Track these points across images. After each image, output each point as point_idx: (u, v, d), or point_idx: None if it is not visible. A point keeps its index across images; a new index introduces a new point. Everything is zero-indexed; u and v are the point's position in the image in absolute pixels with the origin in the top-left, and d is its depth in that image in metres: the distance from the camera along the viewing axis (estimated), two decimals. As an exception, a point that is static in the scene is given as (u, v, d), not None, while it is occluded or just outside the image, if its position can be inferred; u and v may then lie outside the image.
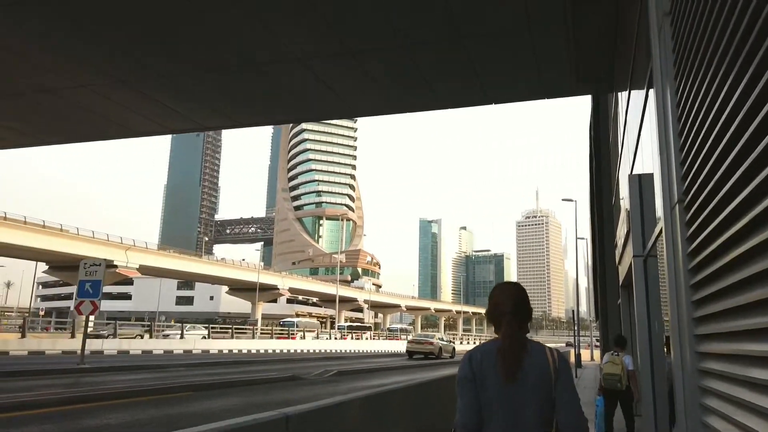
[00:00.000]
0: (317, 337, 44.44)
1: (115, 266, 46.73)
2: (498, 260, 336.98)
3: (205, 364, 18.64)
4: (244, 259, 73.71)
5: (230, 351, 28.35)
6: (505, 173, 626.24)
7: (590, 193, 14.92)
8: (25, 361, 16.31)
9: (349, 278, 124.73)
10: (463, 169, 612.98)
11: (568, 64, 7.70)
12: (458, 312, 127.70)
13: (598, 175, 11.56)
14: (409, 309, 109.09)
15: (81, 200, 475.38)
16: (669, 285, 2.85)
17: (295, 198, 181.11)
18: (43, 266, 50.29)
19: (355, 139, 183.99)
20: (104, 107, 9.22)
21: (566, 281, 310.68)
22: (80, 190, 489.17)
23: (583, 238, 37.16)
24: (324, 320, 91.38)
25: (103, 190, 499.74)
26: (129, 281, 74.20)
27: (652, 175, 4.24)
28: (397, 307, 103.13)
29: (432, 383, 6.60)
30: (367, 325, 78.01)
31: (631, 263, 4.90)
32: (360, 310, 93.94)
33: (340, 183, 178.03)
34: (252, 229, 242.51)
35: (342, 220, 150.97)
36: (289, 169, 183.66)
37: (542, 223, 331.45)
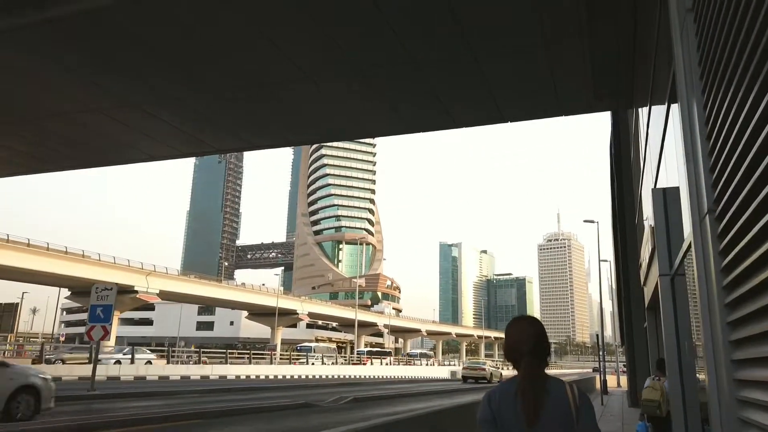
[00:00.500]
0: (336, 363, 43.94)
1: (136, 291, 47.06)
2: (520, 284, 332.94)
3: (218, 390, 18.42)
4: (264, 284, 73.79)
5: (248, 377, 28.10)
6: (525, 195, 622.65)
7: (612, 214, 14.53)
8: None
9: (369, 303, 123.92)
10: (482, 191, 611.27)
11: (585, 80, 7.48)
12: (480, 337, 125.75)
13: (620, 194, 11.23)
14: (430, 334, 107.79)
15: (105, 227, 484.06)
16: (701, 305, 2.59)
17: (315, 222, 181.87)
18: (66, 292, 50.87)
19: (374, 163, 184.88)
20: (118, 131, 9.23)
21: (590, 305, 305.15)
22: (106, 216, 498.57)
23: (606, 261, 36.42)
24: (344, 345, 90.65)
25: (127, 217, 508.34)
26: (150, 307, 74.67)
27: (677, 189, 3.98)
28: (417, 331, 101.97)
29: (447, 411, 6.28)
30: (387, 350, 77.08)
31: (657, 283, 4.59)
32: (380, 334, 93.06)
33: (359, 207, 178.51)
34: (273, 254, 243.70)
35: (361, 244, 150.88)
36: (309, 194, 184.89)
37: (564, 246, 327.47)
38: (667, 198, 4.11)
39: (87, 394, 13.23)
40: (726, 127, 2.21)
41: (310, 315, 75.75)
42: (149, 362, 28.29)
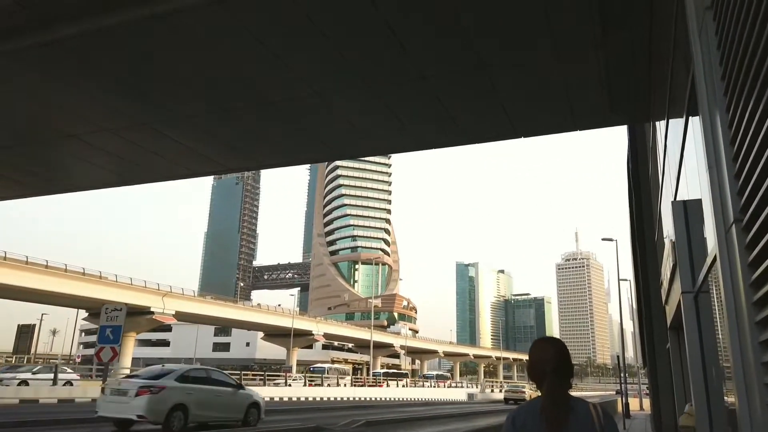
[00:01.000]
0: (353, 384, 43.43)
1: (152, 312, 47.24)
2: (538, 304, 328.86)
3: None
4: (279, 305, 73.73)
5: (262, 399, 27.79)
6: (542, 214, 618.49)
7: (631, 231, 14.19)
8: (46, 410, 16.06)
9: (386, 323, 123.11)
10: (498, 210, 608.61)
11: (600, 93, 7.31)
12: (498, 358, 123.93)
13: (639, 210, 10.95)
14: (447, 355, 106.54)
15: (125, 249, 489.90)
16: (728, 323, 2.38)
17: (331, 243, 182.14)
18: (84, 313, 51.26)
19: (390, 183, 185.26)
20: (128, 151, 9.24)
21: (611, 325, 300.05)
22: (124, 239, 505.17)
23: (626, 280, 35.73)
24: (360, 366, 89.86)
25: (146, 239, 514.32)
26: (167, 328, 74.92)
27: (699, 201, 3.78)
28: (434, 353, 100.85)
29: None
30: (404, 371, 76.23)
31: (679, 301, 4.35)
32: (396, 356, 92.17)
33: (375, 227, 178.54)
34: (289, 274, 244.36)
35: (377, 264, 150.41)
36: (325, 214, 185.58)
37: (583, 266, 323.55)
38: (688, 210, 3.90)
39: (94, 416, 12.47)
40: (752, 129, 2.04)
41: (326, 336, 75.34)
42: (70, 383, 25.24)
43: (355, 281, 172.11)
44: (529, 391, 45.08)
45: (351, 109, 7.74)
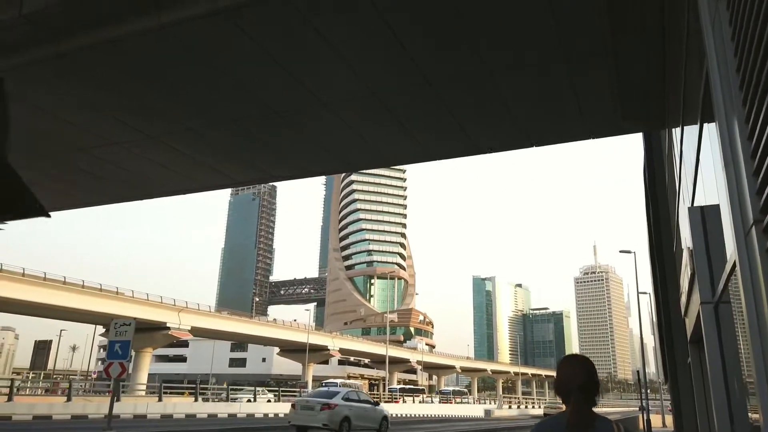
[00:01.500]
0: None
1: (168, 328, 47.37)
2: (557, 319, 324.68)
3: (244, 429, 17.96)
4: (295, 320, 73.71)
5: (276, 414, 27.59)
6: (559, 227, 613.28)
7: (649, 242, 13.87)
8: (58, 426, 16.02)
9: (402, 338, 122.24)
10: (514, 223, 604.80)
11: (613, 100, 7.13)
12: (516, 373, 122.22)
13: (656, 221, 10.67)
14: (464, 370, 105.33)
15: (142, 265, 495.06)
16: (751, 335, 2.20)
17: (346, 257, 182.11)
18: (102, 329, 51.61)
19: (405, 198, 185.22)
20: (138, 165, 9.24)
21: (631, 340, 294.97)
22: (142, 255, 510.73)
23: (645, 293, 35.08)
24: (376, 382, 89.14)
25: (164, 255, 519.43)
26: (184, 344, 75.08)
27: (717, 206, 3.59)
28: (451, 368, 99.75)
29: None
30: (420, 387, 75.41)
31: (698, 313, 4.14)
32: (413, 371, 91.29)
33: (390, 241, 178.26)
34: (305, 289, 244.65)
35: (393, 278, 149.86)
36: (340, 229, 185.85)
37: (602, 279, 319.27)
38: (705, 216, 3.71)
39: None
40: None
41: (342, 351, 74.94)
42: (249, 400, 29.18)
43: (371, 296, 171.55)
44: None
45: (359, 120, 7.66)
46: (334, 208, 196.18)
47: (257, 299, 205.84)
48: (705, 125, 3.82)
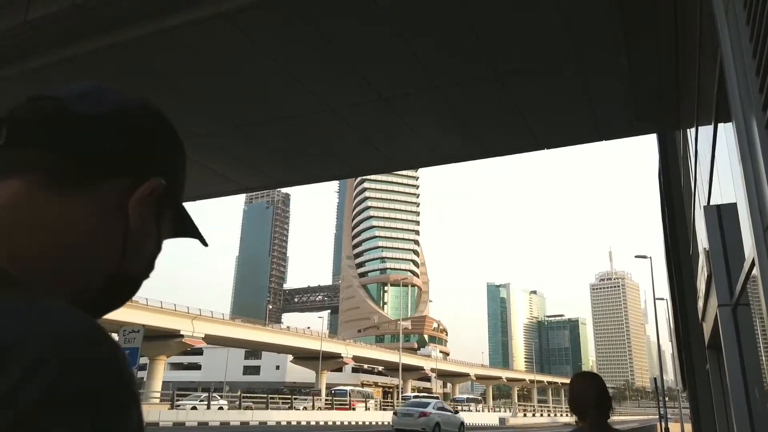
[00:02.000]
0: (381, 408, 42.66)
1: (182, 336, 47.48)
2: (573, 326, 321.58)
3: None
4: (309, 327, 73.55)
5: (288, 423, 27.48)
6: (574, 233, 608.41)
7: (665, 247, 13.61)
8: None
9: (416, 346, 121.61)
10: (528, 229, 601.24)
11: (625, 100, 6.97)
12: (532, 381, 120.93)
13: (672, 224, 10.44)
14: (479, 378, 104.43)
15: (161, 275, 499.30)
16: (772, 337, 2.06)
17: (360, 265, 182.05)
18: (115, 336, 51.93)
19: (418, 204, 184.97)
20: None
21: (649, 347, 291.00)
22: (163, 265, 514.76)
23: (662, 299, 34.55)
24: (391, 390, 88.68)
25: (180, 265, 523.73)
26: (199, 351, 75.30)
27: (734, 204, 3.44)
28: (465, 376, 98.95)
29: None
30: (435, 395, 74.92)
31: (716, 316, 3.97)
32: (427, 379, 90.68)
33: (403, 248, 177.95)
34: (319, 297, 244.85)
35: (406, 285, 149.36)
36: (353, 236, 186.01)
37: (618, 286, 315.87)
38: (722, 215, 3.55)
39: None
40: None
41: (355, 359, 74.67)
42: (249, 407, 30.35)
43: (384, 303, 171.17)
44: None
45: (365, 123, 7.57)
46: (347, 215, 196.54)
47: (271, 307, 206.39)
48: (720, 124, 3.67)
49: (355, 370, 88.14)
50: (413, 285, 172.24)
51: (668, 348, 52.06)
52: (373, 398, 48.50)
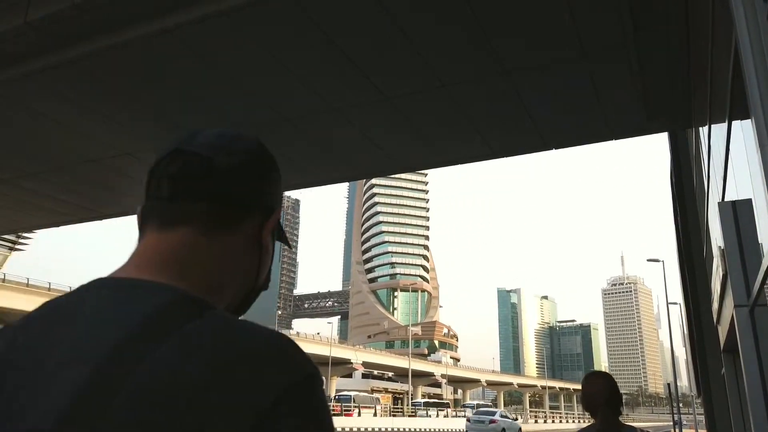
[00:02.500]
0: (391, 414, 42.38)
1: (192, 341, 47.55)
2: (585, 331, 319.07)
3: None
4: (318, 333, 73.51)
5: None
6: (585, 238, 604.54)
7: (678, 249, 13.35)
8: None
9: (426, 351, 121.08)
10: (539, 234, 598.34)
11: (635, 98, 6.82)
12: (543, 387, 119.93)
13: (685, 226, 10.23)
14: (490, 384, 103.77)
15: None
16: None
17: (369, 270, 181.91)
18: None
19: (427, 209, 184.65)
20: (151, 174, 9.17)
21: (662, 352, 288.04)
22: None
23: (675, 303, 34.07)
24: (401, 396, 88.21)
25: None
26: (209, 357, 75.07)
27: (749, 200, 3.28)
28: (476, 381, 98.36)
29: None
30: (445, 401, 74.39)
31: (732, 318, 3.80)
32: (438, 385, 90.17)
33: (413, 254, 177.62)
34: (329, 302, 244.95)
35: (416, 291, 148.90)
36: (363, 242, 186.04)
37: (630, 291, 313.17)
38: (737, 211, 3.40)
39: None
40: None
41: (365, 364, 74.46)
42: None
43: (394, 308, 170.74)
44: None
45: (372, 125, 7.46)
46: (356, 221, 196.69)
47: (281, 312, 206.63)
48: (735, 115, 3.51)
49: (365, 375, 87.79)
50: (423, 290, 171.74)
51: (682, 353, 51.40)
52: (380, 404, 48.05)
